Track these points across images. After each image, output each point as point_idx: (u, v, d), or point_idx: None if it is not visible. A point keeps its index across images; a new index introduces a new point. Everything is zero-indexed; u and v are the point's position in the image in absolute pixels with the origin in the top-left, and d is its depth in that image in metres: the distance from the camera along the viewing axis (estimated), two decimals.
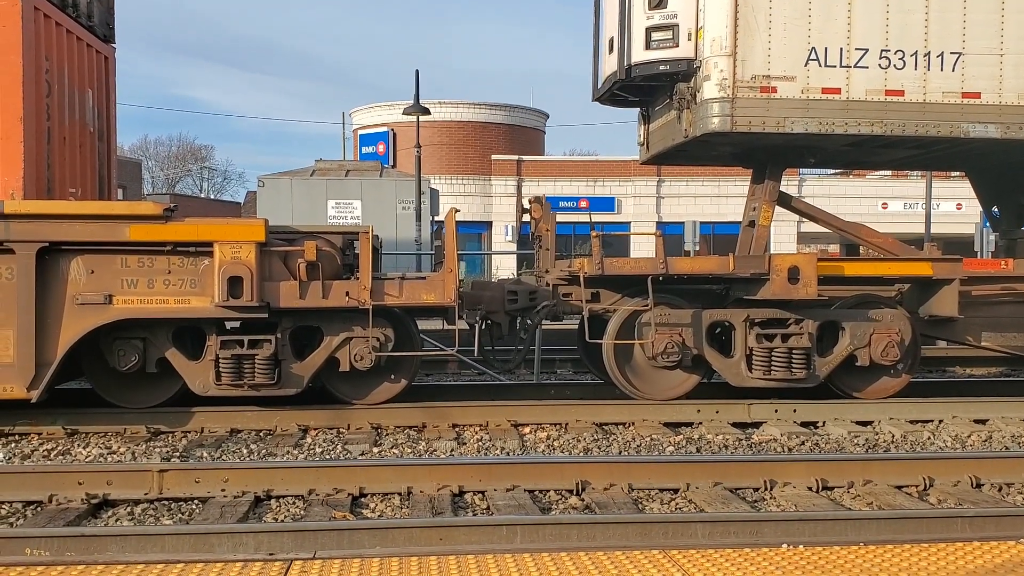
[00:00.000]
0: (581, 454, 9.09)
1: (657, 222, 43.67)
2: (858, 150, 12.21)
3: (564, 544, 5.88)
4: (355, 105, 49.87)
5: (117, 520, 6.89)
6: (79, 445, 9.26)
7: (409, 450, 9.18)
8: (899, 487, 7.61)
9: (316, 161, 24.49)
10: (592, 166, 47.72)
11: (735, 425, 10.35)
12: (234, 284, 9.64)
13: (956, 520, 6.38)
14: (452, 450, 9.15)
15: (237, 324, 10.24)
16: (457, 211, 10.78)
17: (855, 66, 10.62)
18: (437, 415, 10.26)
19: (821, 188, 44.29)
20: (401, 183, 23.95)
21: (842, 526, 6.26)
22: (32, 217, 9.36)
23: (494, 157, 46.46)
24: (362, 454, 8.99)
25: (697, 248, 34.80)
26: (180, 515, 7.02)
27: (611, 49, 11.71)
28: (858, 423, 10.41)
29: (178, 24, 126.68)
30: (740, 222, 12.50)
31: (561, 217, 12.91)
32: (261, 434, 9.86)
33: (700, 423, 10.39)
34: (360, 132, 48.56)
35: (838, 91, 10.63)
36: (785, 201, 12.45)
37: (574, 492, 7.42)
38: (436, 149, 43.99)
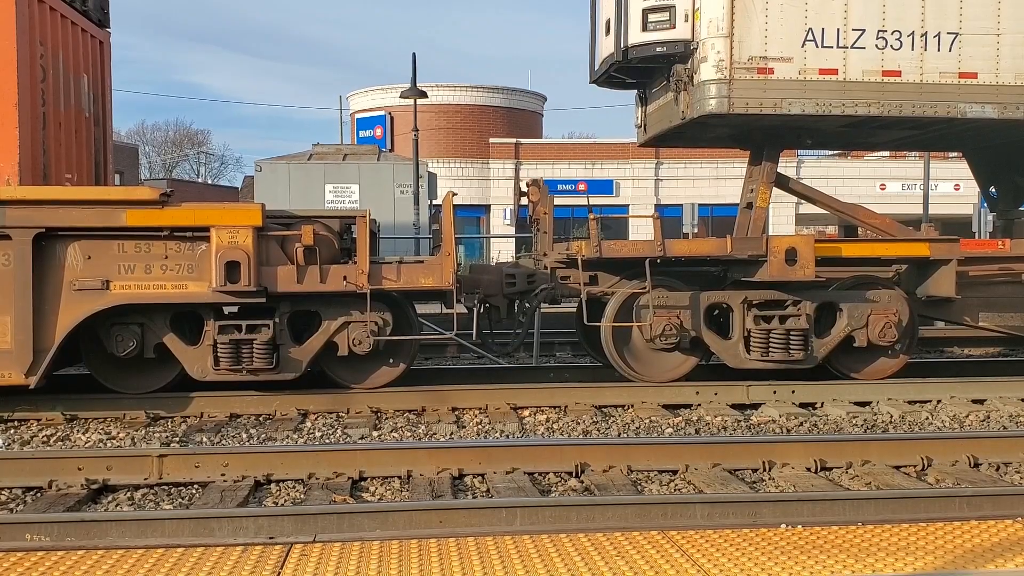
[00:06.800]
0: (580, 436, 9.11)
1: (655, 204, 43.61)
2: (855, 131, 12.20)
3: (564, 526, 5.90)
4: (352, 89, 49.72)
5: (117, 505, 6.91)
6: (78, 431, 9.27)
7: (409, 434, 9.20)
8: (897, 467, 7.63)
9: (313, 145, 24.38)
10: (590, 149, 47.60)
11: (734, 407, 10.36)
12: (231, 269, 9.64)
13: (954, 499, 6.41)
14: (451, 433, 9.16)
15: (235, 309, 10.24)
16: (455, 194, 10.77)
17: (852, 47, 10.59)
18: (436, 399, 10.27)
19: (819, 169, 44.18)
20: (399, 167, 23.88)
21: (840, 506, 6.29)
22: (28, 203, 9.34)
23: (492, 140, 46.34)
24: (362, 438, 9.00)
25: (695, 230, 34.76)
26: (180, 500, 7.04)
27: (608, 31, 11.67)
28: (856, 404, 10.42)
29: (176, 7, 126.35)
30: (738, 204, 12.48)
31: (559, 200, 12.90)
32: (260, 419, 9.87)
33: (699, 405, 10.41)
34: (357, 116, 48.38)
35: (835, 72, 10.61)
36: (783, 183, 12.44)
37: (573, 474, 7.44)
38: (434, 133, 43.89)
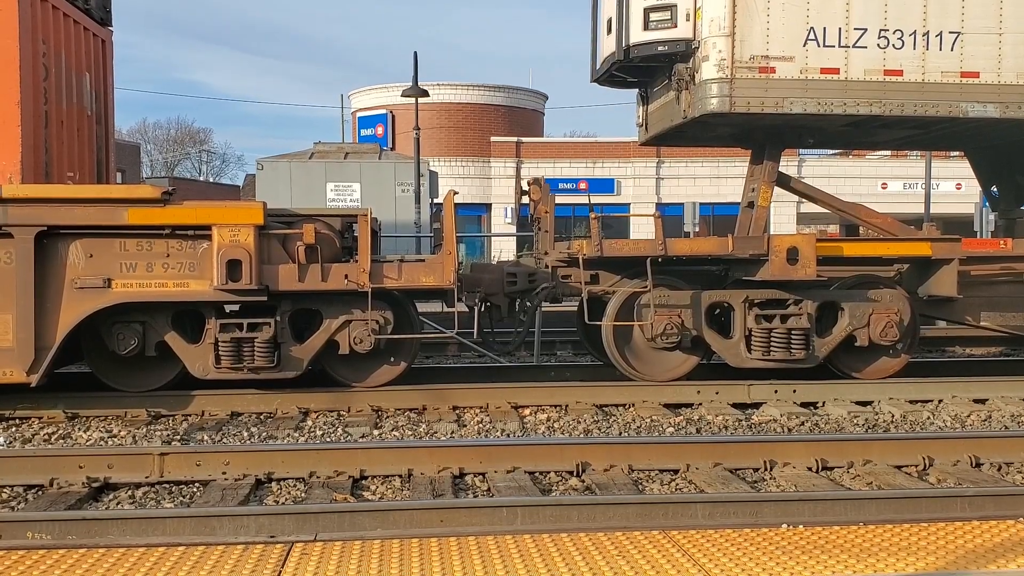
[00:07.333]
0: (581, 436, 9.11)
1: (656, 203, 43.60)
2: (857, 130, 12.19)
3: (565, 525, 5.90)
4: (354, 87, 49.75)
5: (118, 504, 6.91)
6: (80, 429, 9.28)
7: (410, 432, 9.20)
8: (899, 467, 7.62)
9: (315, 144, 24.39)
10: (591, 148, 47.62)
11: (735, 406, 10.35)
12: (233, 267, 9.64)
13: (956, 499, 6.40)
14: (452, 432, 9.16)
15: (236, 307, 10.24)
16: (456, 193, 10.77)
17: (854, 46, 10.58)
18: (437, 397, 10.26)
19: (820, 168, 44.20)
20: (400, 165, 23.90)
21: (842, 506, 6.28)
22: (30, 201, 9.34)
23: (493, 139, 46.36)
24: (363, 436, 9.00)
25: (696, 229, 34.75)
26: (181, 498, 7.03)
27: (609, 30, 11.67)
28: (858, 403, 10.42)
29: (177, 6, 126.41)
30: (739, 203, 12.48)
31: (560, 199, 12.89)
32: (262, 417, 9.87)
33: (700, 404, 10.40)
34: (359, 114, 48.43)
35: (836, 71, 10.60)
36: (784, 182, 12.42)
37: (574, 474, 7.44)
38: (435, 131, 43.89)
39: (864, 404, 10.43)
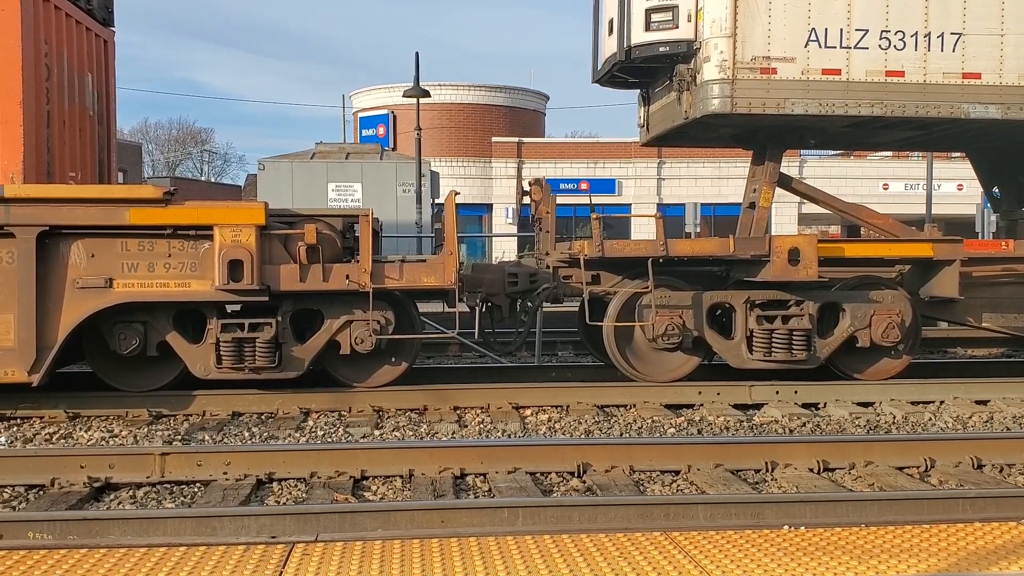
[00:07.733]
0: (582, 436, 9.11)
1: (658, 204, 43.60)
2: (858, 131, 12.18)
3: (566, 526, 5.90)
4: (355, 87, 49.77)
5: (119, 504, 6.91)
6: (81, 429, 9.28)
7: (411, 433, 9.20)
8: (900, 468, 7.61)
9: (316, 144, 24.38)
10: (592, 148, 47.63)
11: (736, 407, 10.35)
12: (234, 267, 9.64)
13: (957, 501, 6.38)
14: (453, 432, 9.16)
15: (238, 307, 10.24)
16: (457, 193, 10.77)
17: (855, 47, 10.58)
18: (438, 398, 10.26)
19: (822, 169, 44.21)
20: (401, 166, 23.90)
21: (843, 507, 6.27)
22: (32, 201, 9.35)
23: (495, 139, 46.38)
24: (364, 437, 9.00)
25: (698, 230, 34.78)
26: (182, 498, 7.03)
27: (611, 31, 11.67)
28: (859, 404, 10.41)
29: (178, 5, 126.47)
30: (741, 204, 12.47)
31: (561, 199, 12.91)
32: (263, 417, 9.87)
33: (701, 405, 10.40)
34: (360, 115, 48.46)
35: (838, 72, 10.60)
36: (785, 182, 12.42)
37: (575, 474, 7.43)
38: (436, 131, 43.89)
39: (865, 405, 10.42)
